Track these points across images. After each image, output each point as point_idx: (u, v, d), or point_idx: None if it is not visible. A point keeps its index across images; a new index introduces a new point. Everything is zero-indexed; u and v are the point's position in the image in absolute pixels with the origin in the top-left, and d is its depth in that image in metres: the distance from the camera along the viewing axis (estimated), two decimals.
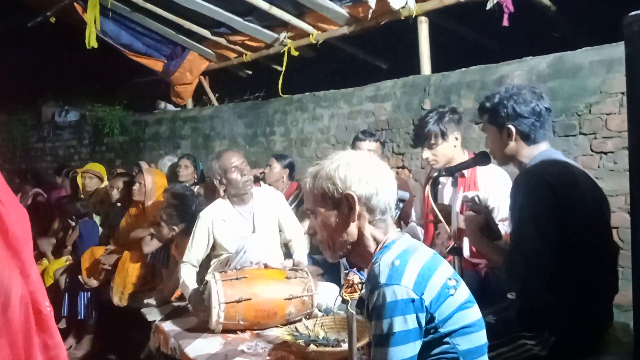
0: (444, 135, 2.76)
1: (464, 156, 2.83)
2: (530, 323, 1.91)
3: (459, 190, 2.70)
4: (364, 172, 1.46)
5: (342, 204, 1.47)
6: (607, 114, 3.09)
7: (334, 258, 1.57)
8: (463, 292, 1.43)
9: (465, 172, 2.74)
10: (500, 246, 2.07)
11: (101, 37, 5.63)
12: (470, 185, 2.74)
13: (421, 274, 1.36)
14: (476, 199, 2.19)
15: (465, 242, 2.44)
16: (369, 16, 4.38)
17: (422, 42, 4.31)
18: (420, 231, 3.05)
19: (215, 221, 3.06)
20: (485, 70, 3.77)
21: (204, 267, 3.18)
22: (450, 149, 2.80)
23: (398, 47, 4.81)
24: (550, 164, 2.00)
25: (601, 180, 3.07)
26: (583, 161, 3.14)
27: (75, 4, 5.60)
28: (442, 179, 2.84)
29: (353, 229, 1.48)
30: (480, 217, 2.12)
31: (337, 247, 1.52)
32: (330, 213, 1.49)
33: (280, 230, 3.28)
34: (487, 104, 2.10)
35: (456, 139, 2.82)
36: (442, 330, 1.36)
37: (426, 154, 2.81)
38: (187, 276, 3.00)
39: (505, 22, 3.68)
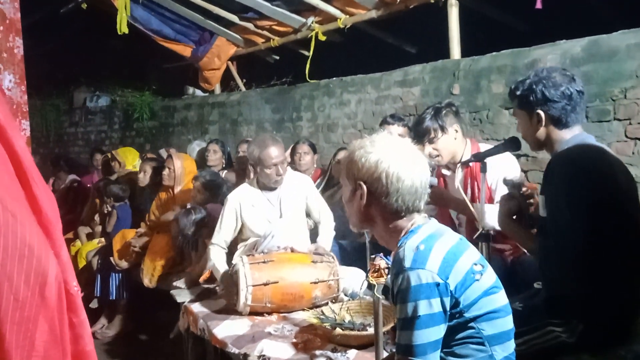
0: (443, 129, 2.79)
1: (466, 146, 2.85)
2: (559, 310, 1.88)
3: (466, 183, 2.72)
4: (391, 169, 1.43)
5: (358, 190, 1.48)
6: None
7: (356, 229, 1.62)
8: (489, 277, 1.42)
9: (470, 162, 2.73)
10: (530, 232, 2.04)
11: (131, 23, 5.70)
12: (476, 175, 2.73)
13: (446, 258, 1.36)
14: (510, 182, 2.15)
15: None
16: (398, 0, 4.33)
17: (452, 25, 4.23)
18: None
19: (244, 205, 3.09)
20: (516, 54, 3.69)
21: (230, 251, 3.22)
22: (451, 142, 2.82)
23: (427, 31, 4.74)
24: (584, 148, 1.96)
25: (635, 167, 2.99)
26: (617, 147, 3.06)
27: None
28: (444, 171, 2.95)
29: (371, 213, 1.49)
30: (512, 203, 2.08)
31: (357, 221, 1.55)
32: (350, 191, 1.52)
33: (308, 215, 3.30)
34: (517, 90, 2.06)
35: (456, 131, 2.84)
36: (467, 315, 1.36)
37: (427, 149, 2.82)
38: (217, 258, 3.04)
39: (539, 5, 3.58)
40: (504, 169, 2.58)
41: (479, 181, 2.58)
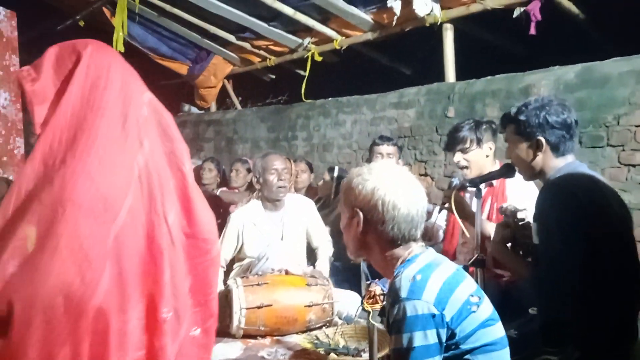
0: (479, 142, 2.72)
1: (495, 167, 2.72)
2: (554, 338, 1.88)
3: (486, 201, 2.69)
4: (387, 197, 1.42)
5: (354, 217, 1.47)
6: (636, 126, 3.03)
7: (353, 257, 1.59)
8: (486, 309, 1.42)
9: (494, 182, 2.70)
10: (523, 260, 2.04)
11: (128, 41, 5.72)
12: (499, 196, 2.71)
13: (443, 289, 1.35)
14: (506, 210, 2.13)
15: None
16: (394, 23, 4.37)
17: (447, 49, 4.28)
18: (441, 233, 3.03)
19: (246, 224, 3.08)
20: (511, 78, 3.73)
21: (228, 269, 3.21)
22: (482, 158, 2.74)
23: (422, 54, 4.79)
24: (577, 176, 1.97)
25: (629, 193, 3.02)
26: (610, 173, 3.08)
27: (103, 8, 5.72)
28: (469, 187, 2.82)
29: (367, 240, 1.48)
30: (507, 231, 2.08)
31: (354, 249, 1.54)
32: (347, 218, 1.51)
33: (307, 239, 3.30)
34: (519, 114, 2.03)
35: (490, 148, 2.76)
36: (463, 347, 1.35)
37: (458, 157, 2.75)
38: None
39: (533, 31, 3.63)
40: (530, 192, 2.51)
41: (499, 202, 2.57)
